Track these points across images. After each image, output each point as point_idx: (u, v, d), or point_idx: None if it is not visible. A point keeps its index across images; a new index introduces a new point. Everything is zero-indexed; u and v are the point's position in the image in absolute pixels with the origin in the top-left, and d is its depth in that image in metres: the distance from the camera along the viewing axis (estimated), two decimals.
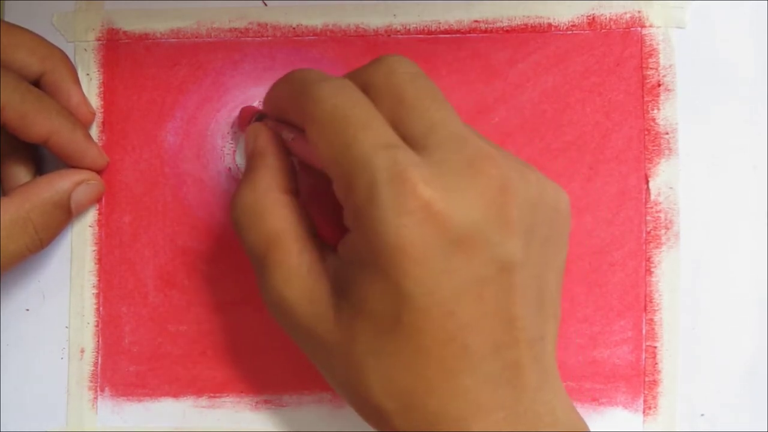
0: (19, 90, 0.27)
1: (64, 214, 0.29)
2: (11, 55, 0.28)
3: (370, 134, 0.22)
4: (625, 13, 0.31)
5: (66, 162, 0.30)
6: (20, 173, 0.30)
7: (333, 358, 0.24)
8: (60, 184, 0.29)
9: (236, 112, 0.31)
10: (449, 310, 0.22)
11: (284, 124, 0.27)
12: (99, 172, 0.31)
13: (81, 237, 0.31)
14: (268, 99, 0.28)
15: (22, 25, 0.30)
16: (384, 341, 0.22)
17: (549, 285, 0.24)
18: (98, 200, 0.31)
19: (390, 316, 0.22)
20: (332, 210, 0.26)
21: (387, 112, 0.24)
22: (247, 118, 0.30)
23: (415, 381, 0.22)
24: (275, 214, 0.25)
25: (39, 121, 0.28)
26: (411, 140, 0.23)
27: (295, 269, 0.24)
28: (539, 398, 0.23)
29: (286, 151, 0.26)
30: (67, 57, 0.30)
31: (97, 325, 0.31)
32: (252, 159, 0.26)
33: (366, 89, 0.24)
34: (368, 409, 0.23)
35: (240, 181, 0.27)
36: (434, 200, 0.21)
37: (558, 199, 0.25)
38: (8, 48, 0.28)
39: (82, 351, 0.31)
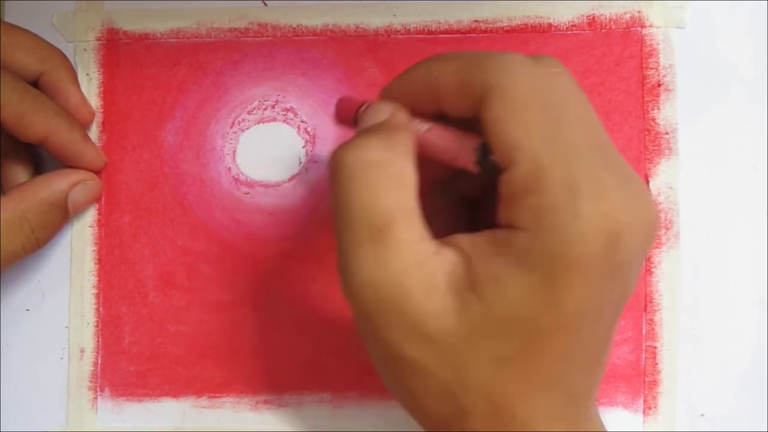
0: (17, 90, 0.27)
1: (61, 214, 0.29)
2: (10, 55, 0.28)
3: (582, 128, 0.21)
4: (625, 13, 0.31)
5: (64, 162, 0.30)
6: (19, 173, 0.30)
7: (435, 354, 0.21)
8: (57, 183, 0.29)
9: (236, 112, 0.31)
10: (592, 330, 0.21)
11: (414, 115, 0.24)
12: (97, 172, 0.31)
13: (81, 237, 0.31)
14: (395, 90, 0.25)
15: (22, 25, 0.30)
16: (511, 346, 0.21)
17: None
18: (96, 200, 0.31)
19: (530, 323, 0.21)
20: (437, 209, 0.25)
21: (509, 134, 0.22)
22: (350, 109, 0.26)
23: (517, 387, 0.21)
24: (404, 188, 0.22)
25: (36, 121, 0.28)
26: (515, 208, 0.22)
27: (415, 255, 0.21)
28: (591, 417, 0.23)
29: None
30: (66, 57, 0.30)
31: (97, 325, 0.31)
32: (385, 128, 0.23)
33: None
34: (443, 410, 0.22)
35: (360, 132, 0.23)
36: (623, 226, 0.20)
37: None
38: (7, 48, 0.28)
39: (82, 351, 0.31)
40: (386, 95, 0.25)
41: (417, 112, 0.24)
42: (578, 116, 0.21)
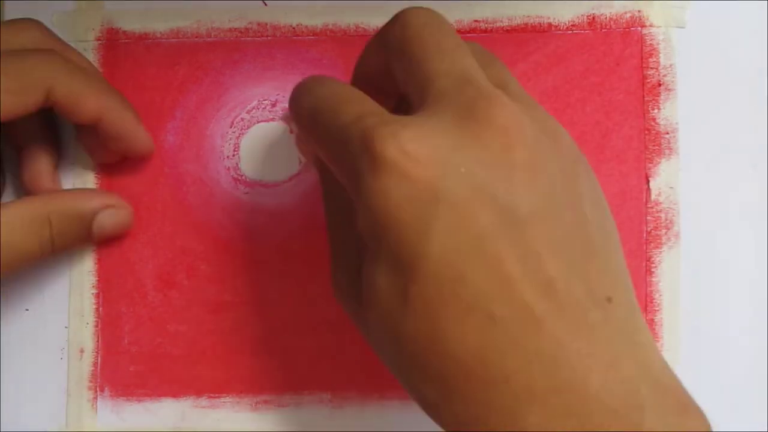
0: (67, 68, 0.27)
1: (84, 230, 0.29)
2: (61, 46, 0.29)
3: (345, 112, 0.21)
4: (625, 13, 0.31)
5: (114, 145, 0.29)
6: (41, 169, 0.29)
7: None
8: (88, 198, 0.29)
9: (236, 112, 0.31)
10: (458, 274, 0.19)
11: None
12: (146, 158, 0.30)
13: None
14: (356, 82, 0.26)
15: None
16: (401, 327, 0.20)
17: (596, 238, 0.20)
18: (123, 231, 0.30)
19: (399, 296, 0.20)
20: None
21: (399, 71, 0.22)
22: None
23: (445, 366, 0.19)
24: None
25: (89, 99, 0.27)
26: (414, 97, 0.22)
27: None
28: (614, 377, 0.19)
29: None
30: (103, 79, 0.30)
31: (96, 325, 0.31)
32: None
33: (385, 48, 0.23)
34: (416, 396, 0.21)
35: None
36: (412, 156, 0.19)
37: (577, 148, 0.22)
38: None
39: (82, 351, 0.31)
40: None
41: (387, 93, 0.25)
42: (336, 107, 0.22)
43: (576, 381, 0.19)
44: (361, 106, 0.22)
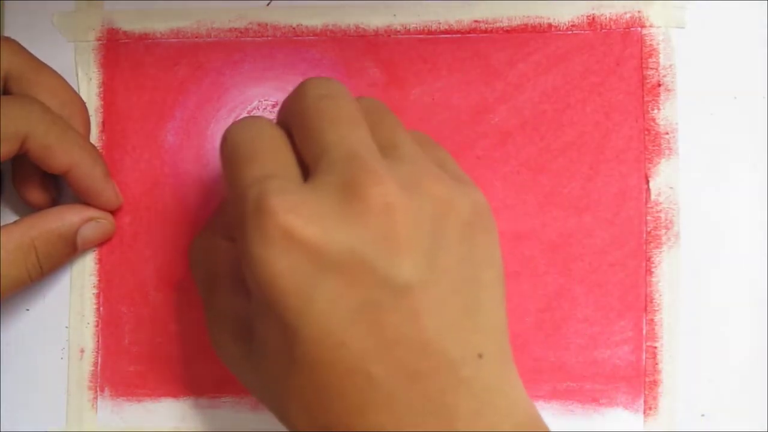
0: (45, 121, 0.28)
1: (69, 248, 0.29)
2: (35, 94, 0.29)
3: (250, 169, 0.22)
4: (625, 13, 0.31)
5: (81, 197, 0.30)
6: (39, 201, 0.30)
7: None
8: (69, 217, 0.29)
9: (236, 112, 0.31)
10: (340, 340, 0.21)
11: None
12: (112, 212, 0.31)
13: None
14: None
15: (22, 25, 0.30)
16: (289, 380, 0.22)
17: (479, 298, 0.22)
18: (107, 240, 0.31)
19: (286, 354, 0.21)
20: None
21: (297, 140, 0.23)
22: None
23: (330, 419, 0.21)
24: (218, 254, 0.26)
25: (61, 153, 0.28)
26: (310, 165, 0.23)
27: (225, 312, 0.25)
28: (480, 424, 0.21)
29: None
30: (84, 106, 0.30)
31: (97, 325, 0.31)
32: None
33: (285, 117, 0.24)
34: None
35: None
36: (296, 227, 0.20)
37: (474, 204, 0.23)
38: (34, 86, 0.29)
39: (82, 351, 0.31)
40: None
41: None
42: (247, 159, 0.23)
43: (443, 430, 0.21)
44: (270, 165, 0.23)
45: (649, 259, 0.30)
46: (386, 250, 0.21)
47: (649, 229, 0.30)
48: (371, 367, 0.21)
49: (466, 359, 0.21)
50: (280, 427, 0.30)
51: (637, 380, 0.30)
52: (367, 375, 0.21)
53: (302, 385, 0.21)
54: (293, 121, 0.24)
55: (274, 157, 0.23)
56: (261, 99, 0.31)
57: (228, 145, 0.24)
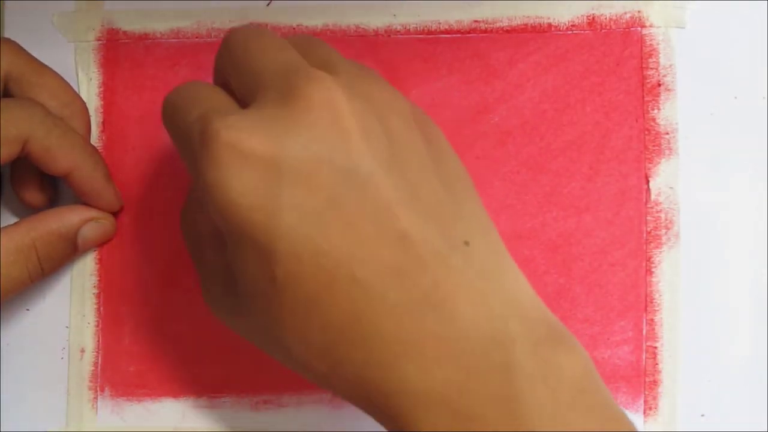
0: (45, 123, 0.28)
1: (69, 248, 0.29)
2: (35, 95, 0.29)
3: (189, 114, 0.22)
4: (625, 13, 0.31)
5: (82, 199, 0.30)
6: (37, 201, 0.30)
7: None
8: (69, 217, 0.29)
9: None
10: (316, 248, 0.20)
11: None
12: (113, 214, 0.31)
13: None
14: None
15: (22, 25, 0.30)
16: (280, 311, 0.21)
17: (451, 187, 0.22)
18: (108, 240, 0.31)
19: (268, 281, 0.20)
20: None
21: (234, 86, 0.24)
22: None
23: (327, 335, 0.20)
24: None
25: (62, 156, 0.28)
26: (249, 99, 0.22)
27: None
28: (481, 312, 0.20)
29: None
30: (85, 108, 0.30)
31: (97, 325, 0.31)
32: None
33: (220, 72, 0.25)
34: (310, 376, 0.22)
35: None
36: (242, 140, 0.20)
37: (413, 107, 0.23)
38: (34, 87, 0.29)
39: (82, 351, 0.31)
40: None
41: None
42: (184, 107, 0.24)
43: (444, 325, 0.20)
44: (208, 103, 0.23)
45: (649, 259, 0.30)
46: (339, 141, 0.20)
47: (649, 229, 0.30)
48: (355, 270, 0.20)
49: (452, 248, 0.20)
50: (280, 426, 0.30)
51: (637, 380, 0.30)
52: (353, 279, 0.20)
53: (292, 309, 0.20)
54: (225, 71, 0.24)
55: (209, 97, 0.23)
56: None
57: (166, 107, 0.24)
